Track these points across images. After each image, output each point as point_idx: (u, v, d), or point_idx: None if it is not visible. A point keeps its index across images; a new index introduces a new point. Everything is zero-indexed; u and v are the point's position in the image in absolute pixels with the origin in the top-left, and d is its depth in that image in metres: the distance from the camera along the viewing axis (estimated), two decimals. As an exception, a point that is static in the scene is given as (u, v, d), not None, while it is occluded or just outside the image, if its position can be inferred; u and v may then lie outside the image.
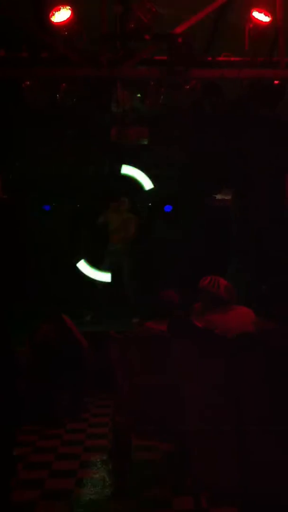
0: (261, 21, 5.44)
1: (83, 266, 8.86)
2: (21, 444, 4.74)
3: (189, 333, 3.39)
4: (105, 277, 8.66)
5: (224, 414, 2.69)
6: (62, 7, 5.23)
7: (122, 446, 4.17)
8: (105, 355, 4.44)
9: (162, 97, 5.75)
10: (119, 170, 8.89)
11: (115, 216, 8.59)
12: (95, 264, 8.78)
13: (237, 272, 8.83)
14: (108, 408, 5.35)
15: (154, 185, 9.04)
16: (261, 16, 5.45)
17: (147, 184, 9.00)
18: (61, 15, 5.24)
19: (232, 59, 5.77)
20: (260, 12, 5.45)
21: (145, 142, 6.30)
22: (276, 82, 5.75)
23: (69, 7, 5.22)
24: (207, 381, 2.80)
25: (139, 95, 5.86)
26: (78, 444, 5.12)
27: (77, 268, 8.82)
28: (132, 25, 5.34)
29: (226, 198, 10.07)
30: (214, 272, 4.29)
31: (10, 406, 3.93)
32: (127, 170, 8.95)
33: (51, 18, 5.25)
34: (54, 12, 5.24)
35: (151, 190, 8.93)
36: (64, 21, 5.24)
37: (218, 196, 10.14)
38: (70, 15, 5.22)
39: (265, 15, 5.44)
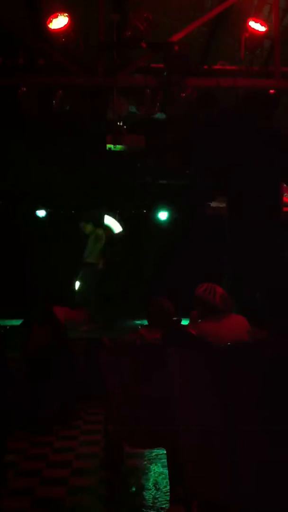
0: (257, 30, 5.48)
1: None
2: (12, 451, 4.72)
3: (183, 341, 3.38)
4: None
5: (217, 422, 2.68)
6: (59, 14, 5.26)
7: (114, 453, 4.15)
8: (97, 362, 4.43)
9: (158, 105, 5.77)
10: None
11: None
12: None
13: (232, 280, 8.84)
14: (100, 415, 5.32)
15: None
16: (257, 26, 5.49)
17: (117, 228, 8.97)
18: (59, 22, 5.27)
19: (228, 67, 5.80)
20: (256, 22, 5.50)
21: (141, 150, 6.32)
22: (271, 91, 5.79)
23: (67, 14, 5.24)
24: (200, 389, 2.79)
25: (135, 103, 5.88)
26: (70, 451, 5.09)
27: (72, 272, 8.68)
28: (129, 33, 5.37)
29: (220, 206, 10.11)
30: (209, 279, 4.28)
31: (0, 413, 3.91)
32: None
33: (48, 25, 5.28)
34: (51, 19, 5.26)
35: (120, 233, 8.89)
36: (61, 28, 5.26)
37: (213, 204, 10.18)
38: (68, 22, 5.24)
39: (261, 25, 5.49)
